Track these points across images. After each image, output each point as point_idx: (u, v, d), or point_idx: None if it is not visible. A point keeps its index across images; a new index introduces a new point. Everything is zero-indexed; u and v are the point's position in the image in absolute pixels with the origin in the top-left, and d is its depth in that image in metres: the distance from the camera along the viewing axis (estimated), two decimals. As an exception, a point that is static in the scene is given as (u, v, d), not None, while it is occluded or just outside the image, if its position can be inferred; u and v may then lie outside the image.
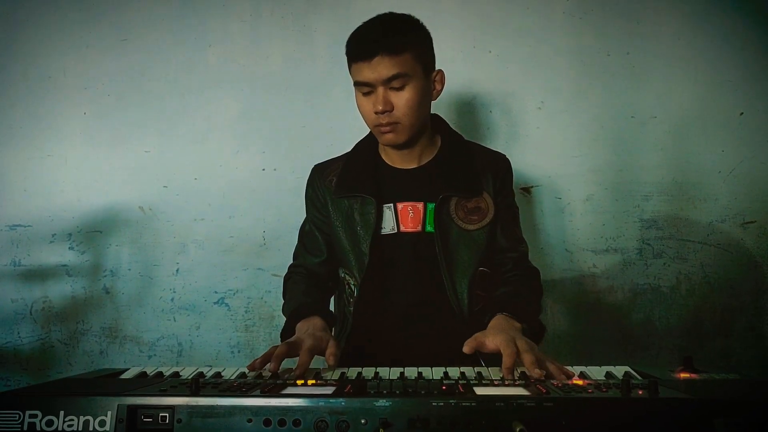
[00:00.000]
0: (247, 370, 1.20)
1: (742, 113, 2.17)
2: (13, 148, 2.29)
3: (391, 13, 1.52)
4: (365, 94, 1.49)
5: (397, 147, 1.58)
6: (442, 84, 1.58)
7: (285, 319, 1.52)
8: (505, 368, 1.14)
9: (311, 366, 1.24)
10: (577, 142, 2.21)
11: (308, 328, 1.38)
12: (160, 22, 2.28)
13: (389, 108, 1.47)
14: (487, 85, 2.22)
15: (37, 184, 2.28)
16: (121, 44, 2.28)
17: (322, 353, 1.29)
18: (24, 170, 2.28)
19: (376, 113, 1.48)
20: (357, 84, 1.49)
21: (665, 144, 2.19)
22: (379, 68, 1.43)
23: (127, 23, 2.28)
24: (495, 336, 1.23)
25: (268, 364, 1.18)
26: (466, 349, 1.22)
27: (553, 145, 2.21)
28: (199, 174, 2.26)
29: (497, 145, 2.19)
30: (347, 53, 1.50)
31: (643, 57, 2.19)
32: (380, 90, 1.46)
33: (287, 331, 1.45)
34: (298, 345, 1.27)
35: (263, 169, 2.25)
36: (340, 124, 2.21)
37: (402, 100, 1.47)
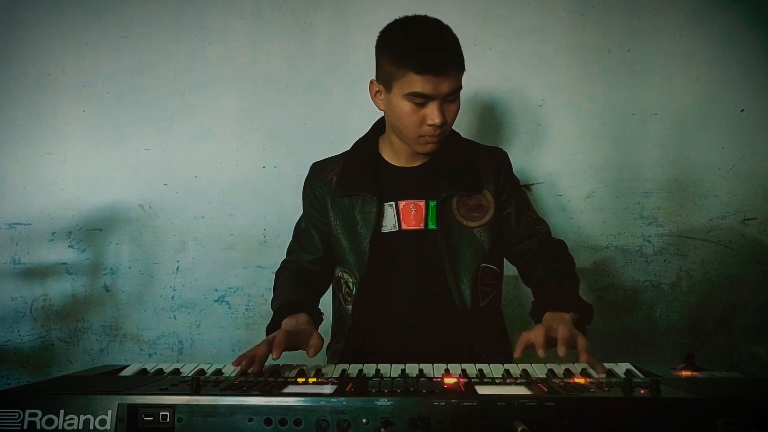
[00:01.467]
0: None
1: (743, 110, 2.17)
2: (13, 146, 2.28)
3: (434, 20, 1.48)
4: (417, 105, 1.44)
5: (425, 153, 1.57)
6: None
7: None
8: (538, 345, 1.18)
9: (314, 363, 1.24)
10: (578, 140, 2.20)
11: (293, 323, 1.39)
12: (160, 20, 2.27)
13: (445, 121, 1.46)
14: (488, 82, 2.21)
15: (37, 182, 2.28)
16: (120, 42, 2.28)
17: (304, 346, 1.30)
18: (24, 168, 2.28)
19: (430, 125, 1.45)
20: (412, 95, 1.43)
21: (666, 141, 2.19)
22: (445, 83, 1.41)
23: (127, 21, 2.28)
24: (538, 329, 1.24)
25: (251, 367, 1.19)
26: (516, 353, 1.21)
27: (553, 142, 2.21)
28: (199, 172, 2.26)
29: (498, 143, 2.19)
30: (404, 62, 1.42)
31: (643, 54, 2.19)
32: (437, 103, 1.43)
33: (273, 327, 1.45)
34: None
35: (263, 167, 2.25)
36: (340, 122, 2.21)
37: (452, 111, 1.47)
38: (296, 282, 1.61)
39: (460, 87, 1.46)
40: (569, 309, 1.36)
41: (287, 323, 1.40)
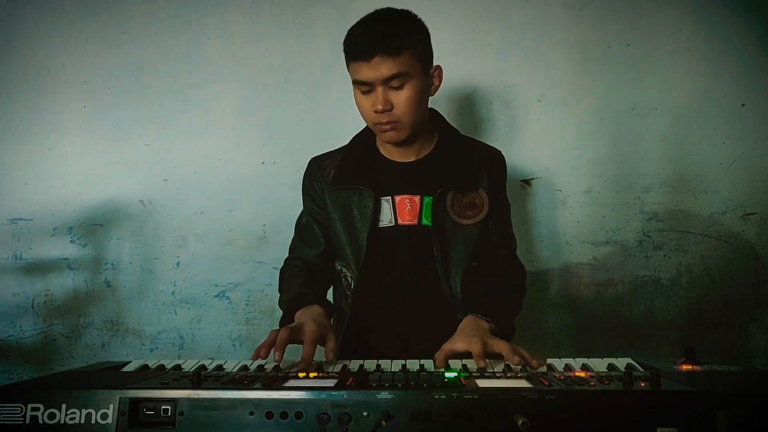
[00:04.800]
0: (251, 361, 1.20)
1: (743, 105, 2.17)
2: (14, 142, 2.28)
3: (389, 10, 1.51)
4: (364, 93, 1.48)
5: (397, 144, 1.59)
6: (440, 80, 1.58)
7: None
8: (476, 355, 1.18)
9: (314, 358, 1.24)
10: (577, 135, 2.20)
11: (308, 314, 1.38)
12: (159, 16, 2.27)
13: (389, 107, 1.46)
14: (487, 77, 2.21)
15: (38, 178, 2.28)
16: (120, 38, 2.27)
17: (323, 342, 1.29)
18: (25, 164, 2.28)
19: (375, 112, 1.47)
20: (355, 83, 1.48)
21: (666, 136, 2.18)
22: (379, 68, 1.42)
23: (126, 17, 2.27)
24: (462, 340, 1.26)
25: (273, 350, 1.18)
26: (438, 363, 1.22)
27: (552, 137, 2.21)
28: (198, 167, 2.26)
29: (496, 138, 2.19)
30: (345, 51, 1.49)
31: (643, 49, 2.19)
32: (380, 89, 1.45)
33: (285, 322, 1.45)
34: (300, 330, 1.28)
35: (262, 163, 2.25)
36: (339, 118, 2.20)
37: (401, 98, 1.46)
38: (303, 277, 1.60)
39: (407, 73, 1.44)
40: (490, 321, 1.39)
41: (301, 315, 1.40)
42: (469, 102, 2.21)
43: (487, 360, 1.20)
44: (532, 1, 2.20)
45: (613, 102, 2.19)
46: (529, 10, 2.20)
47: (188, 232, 2.26)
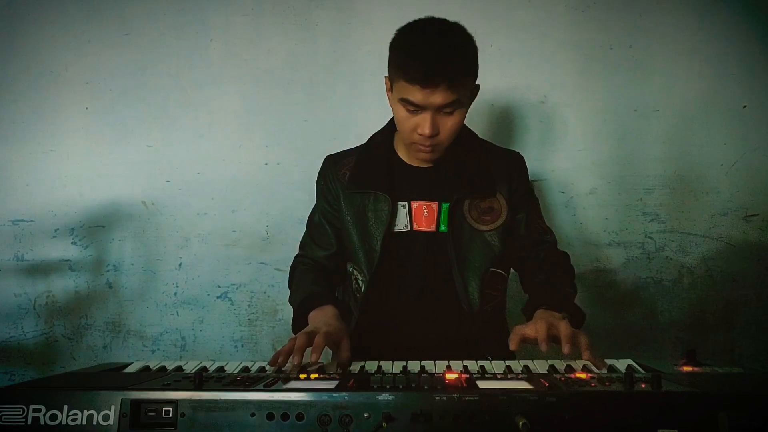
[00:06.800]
0: (252, 362, 1.20)
1: (745, 106, 2.17)
2: (16, 143, 2.28)
3: (450, 27, 1.43)
4: (410, 111, 1.42)
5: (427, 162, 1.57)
6: (475, 97, 1.54)
7: (291, 310, 1.51)
8: (541, 340, 1.18)
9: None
10: (580, 136, 2.20)
11: (323, 317, 1.36)
12: (162, 17, 2.27)
13: (437, 132, 1.43)
14: (489, 79, 2.20)
15: (40, 179, 2.28)
16: (123, 39, 2.28)
17: (337, 344, 1.28)
18: (26, 165, 2.28)
19: (420, 135, 1.43)
20: (404, 101, 1.41)
21: (668, 137, 2.18)
22: (438, 96, 1.37)
23: (129, 18, 2.28)
24: (534, 324, 1.26)
25: (292, 357, 1.17)
26: (512, 345, 1.23)
27: (556, 139, 2.21)
28: (201, 168, 2.26)
29: (499, 140, 2.19)
30: (398, 68, 1.40)
31: (645, 50, 2.19)
32: (430, 114, 1.40)
33: (298, 321, 1.44)
34: (315, 335, 1.26)
35: (266, 163, 2.25)
36: (341, 118, 2.21)
37: (449, 124, 1.44)
38: (314, 275, 1.59)
39: (460, 100, 1.41)
40: (561, 310, 1.37)
41: (315, 316, 1.38)
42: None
43: (489, 361, 1.20)
44: (534, 2, 2.20)
45: (616, 103, 2.19)
46: (531, 11, 2.20)
47: (191, 233, 2.26)
